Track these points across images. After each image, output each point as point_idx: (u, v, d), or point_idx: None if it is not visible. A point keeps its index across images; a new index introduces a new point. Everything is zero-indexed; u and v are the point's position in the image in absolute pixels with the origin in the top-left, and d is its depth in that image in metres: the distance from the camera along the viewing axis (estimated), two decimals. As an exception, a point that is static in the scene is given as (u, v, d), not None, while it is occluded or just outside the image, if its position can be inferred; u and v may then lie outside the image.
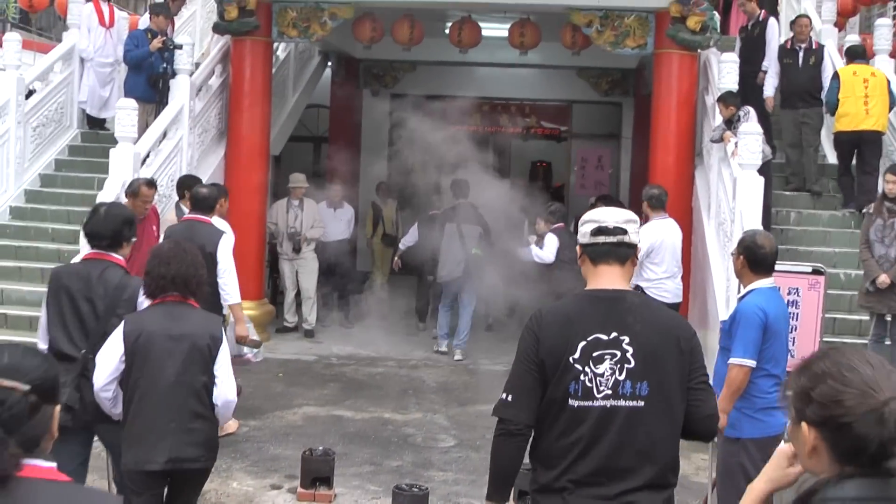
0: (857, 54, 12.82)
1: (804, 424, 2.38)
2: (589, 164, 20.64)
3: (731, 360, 5.90)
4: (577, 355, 3.80)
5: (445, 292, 13.55)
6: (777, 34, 13.17)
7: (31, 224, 12.63)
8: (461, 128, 17.46)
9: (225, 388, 5.32)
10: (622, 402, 3.79)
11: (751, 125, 10.58)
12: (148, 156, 12.01)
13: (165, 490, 5.48)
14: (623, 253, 3.97)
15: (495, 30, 15.58)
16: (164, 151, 12.29)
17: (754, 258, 6.00)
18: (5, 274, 11.90)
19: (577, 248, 4.10)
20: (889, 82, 12.22)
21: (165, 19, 13.47)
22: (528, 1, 13.15)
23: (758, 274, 6.02)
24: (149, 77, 13.14)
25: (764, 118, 12.02)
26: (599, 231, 3.97)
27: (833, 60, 12.82)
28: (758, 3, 13.69)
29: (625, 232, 3.97)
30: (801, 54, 12.69)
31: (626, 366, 3.81)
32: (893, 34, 13.93)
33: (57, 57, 14.11)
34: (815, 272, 7.40)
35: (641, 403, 3.80)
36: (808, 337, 7.18)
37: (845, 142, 12.29)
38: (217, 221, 9.16)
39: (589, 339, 3.82)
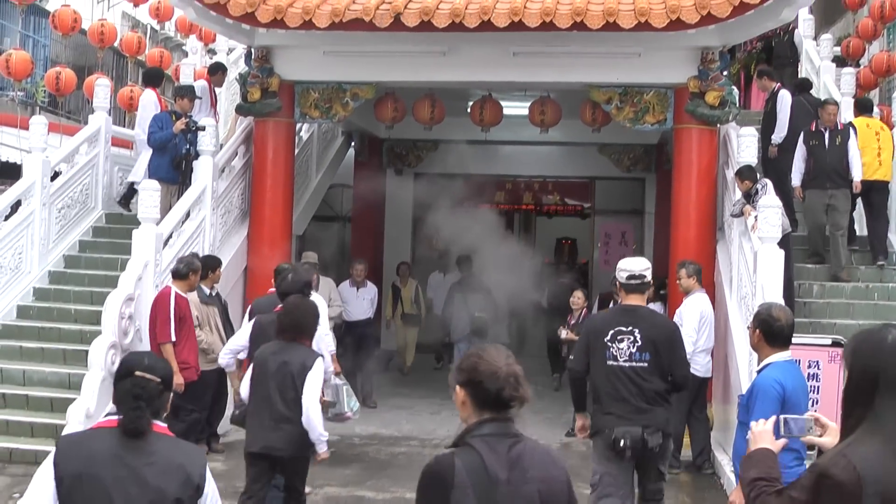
0: (867, 108, 13.71)
1: (458, 387, 3.82)
2: (613, 240, 20.61)
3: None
4: (608, 338, 7.39)
5: (457, 350, 15.36)
6: (787, 105, 13.23)
7: (55, 305, 12.68)
8: (485, 206, 17.67)
9: (306, 402, 7.43)
10: (632, 364, 7.34)
11: (769, 198, 10.56)
12: (171, 236, 12.08)
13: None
14: (643, 288, 7.60)
15: (516, 108, 15.66)
16: (186, 232, 12.36)
17: (770, 331, 5.95)
18: (28, 355, 11.91)
19: (616, 282, 7.87)
20: (894, 137, 13.17)
21: (189, 101, 13.64)
22: (546, 79, 13.23)
23: (774, 347, 5.96)
24: (173, 158, 13.29)
25: (782, 191, 12.00)
26: (631, 277, 7.50)
27: (853, 137, 12.76)
28: (773, 78, 13.78)
29: (644, 276, 7.53)
30: (826, 135, 12.61)
31: (636, 344, 7.34)
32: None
33: (83, 139, 14.26)
34: (835, 344, 7.30)
35: (645, 363, 7.33)
36: (831, 409, 7.04)
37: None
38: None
39: (615, 328, 7.39)
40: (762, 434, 3.94)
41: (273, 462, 7.63)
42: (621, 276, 7.49)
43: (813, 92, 14.94)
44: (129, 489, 3.95)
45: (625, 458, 7.28)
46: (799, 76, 16.82)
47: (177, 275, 10.76)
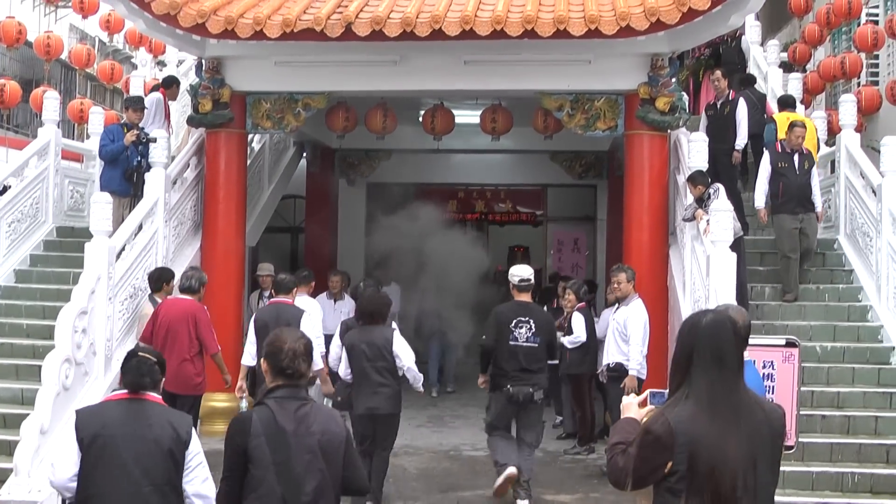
0: (788, 103, 14.11)
1: (263, 360, 5.04)
2: (565, 247, 20.75)
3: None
4: (512, 325, 10.00)
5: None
6: (746, 115, 13.38)
7: (6, 320, 12.46)
8: (438, 215, 17.70)
9: (406, 362, 9.68)
10: (529, 344, 9.99)
11: (721, 202, 10.65)
12: (123, 249, 11.97)
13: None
14: (530, 288, 10.43)
15: (468, 116, 15.73)
16: (139, 244, 12.24)
17: (728, 333, 5.98)
18: (-21, 371, 11.74)
19: (511, 285, 10.38)
20: (816, 129, 13.51)
21: (135, 112, 13.54)
22: (498, 87, 13.27)
23: (732, 348, 5.99)
24: (124, 171, 13.19)
25: (734, 195, 12.11)
26: (522, 280, 10.26)
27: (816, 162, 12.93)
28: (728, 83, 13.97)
29: (530, 279, 10.37)
30: (795, 158, 12.48)
31: (531, 330, 10.00)
32: (857, 110, 14.26)
33: (32, 153, 14.07)
34: (789, 344, 7.35)
35: (537, 344, 10.03)
36: (785, 409, 7.10)
37: None
38: (302, 301, 11.48)
39: (516, 319, 10.02)
40: (628, 406, 4.50)
41: (374, 419, 9.62)
42: (514, 279, 10.36)
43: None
44: (133, 443, 5.28)
45: (515, 406, 10.05)
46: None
47: (189, 290, 10.82)
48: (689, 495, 4.06)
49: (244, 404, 10.70)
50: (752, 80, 15.72)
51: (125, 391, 5.54)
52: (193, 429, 5.40)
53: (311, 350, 5.07)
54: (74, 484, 5.34)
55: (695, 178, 11.56)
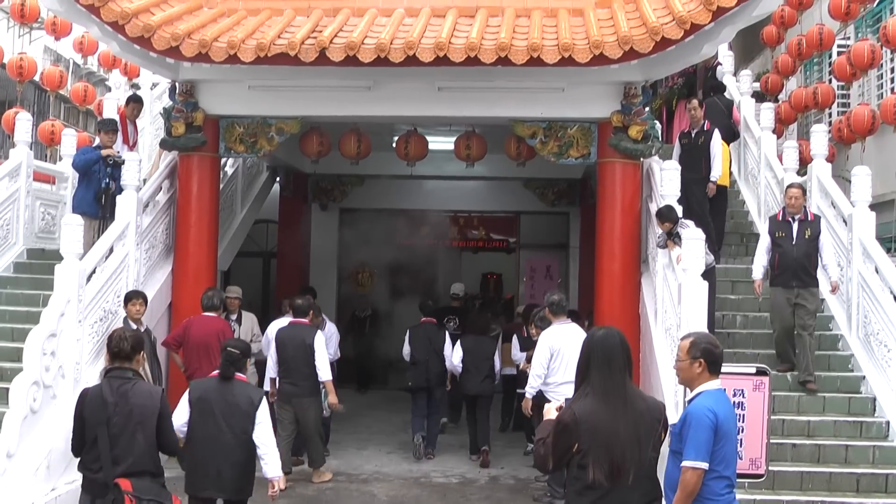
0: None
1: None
2: (538, 274, 20.77)
3: (684, 463, 5.80)
4: (445, 320, 14.77)
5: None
6: (721, 147, 13.49)
7: (-26, 343, 12.35)
8: (410, 241, 17.69)
9: (497, 364, 13.90)
10: (454, 332, 14.50)
11: (693, 230, 10.63)
12: (94, 272, 11.87)
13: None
14: (460, 300, 16.94)
15: (442, 143, 15.74)
16: (109, 267, 12.14)
17: (713, 360, 6.00)
18: (-54, 393, 11.57)
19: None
20: (729, 151, 14.37)
21: (107, 135, 13.48)
22: (472, 113, 13.28)
23: (713, 375, 6.00)
24: (95, 192, 13.12)
25: (704, 225, 12.10)
26: (455, 293, 16.81)
27: (827, 232, 11.94)
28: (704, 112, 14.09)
29: (460, 294, 16.96)
30: (794, 226, 11.64)
31: (457, 324, 14.84)
32: (829, 139, 14.35)
33: (3, 174, 13.96)
34: (760, 373, 7.35)
35: (460, 332, 14.54)
36: (755, 437, 7.11)
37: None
38: None
39: (447, 316, 15.01)
40: (549, 411, 5.83)
41: (478, 398, 13.78)
42: (451, 292, 16.61)
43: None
44: (221, 405, 7.83)
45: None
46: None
47: (213, 308, 12.29)
48: (591, 465, 5.43)
49: None
50: (722, 87, 15.92)
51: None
52: (263, 398, 8.01)
53: (137, 340, 7.17)
54: (186, 428, 7.86)
55: (662, 214, 11.47)
